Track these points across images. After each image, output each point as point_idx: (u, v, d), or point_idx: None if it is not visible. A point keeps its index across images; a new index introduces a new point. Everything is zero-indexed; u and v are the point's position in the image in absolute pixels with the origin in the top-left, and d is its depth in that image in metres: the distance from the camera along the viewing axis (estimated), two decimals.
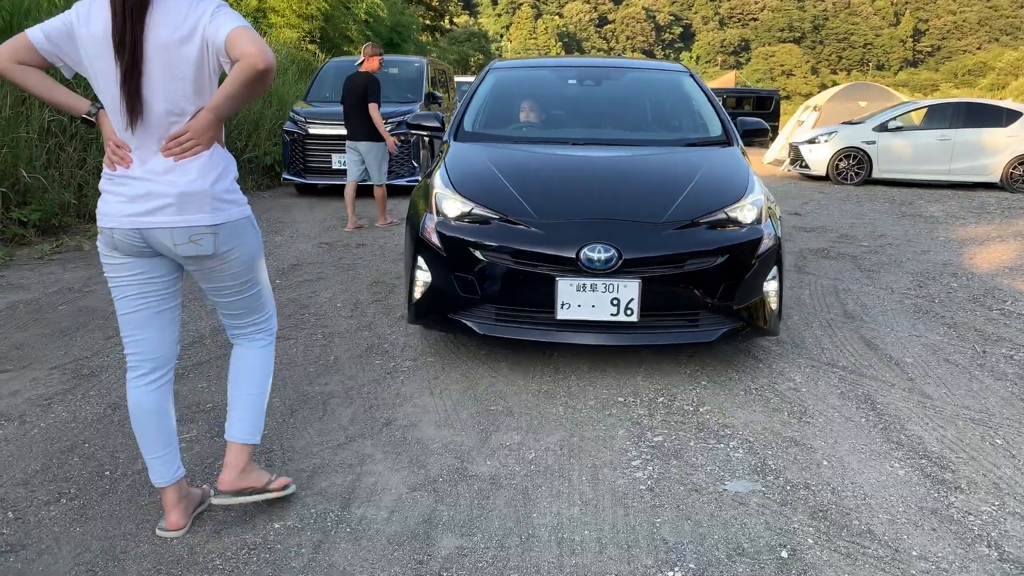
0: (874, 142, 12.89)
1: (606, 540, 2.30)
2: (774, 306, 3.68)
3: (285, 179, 10.10)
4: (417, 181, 9.87)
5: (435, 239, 3.60)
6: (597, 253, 3.37)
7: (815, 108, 16.43)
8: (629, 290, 3.37)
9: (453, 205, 3.68)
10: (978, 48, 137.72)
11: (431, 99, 11.04)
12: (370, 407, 3.29)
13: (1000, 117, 12.72)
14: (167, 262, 2.20)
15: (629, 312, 3.38)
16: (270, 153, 11.10)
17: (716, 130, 4.64)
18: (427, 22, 45.47)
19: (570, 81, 5.40)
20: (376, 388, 3.50)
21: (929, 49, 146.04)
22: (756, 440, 3.01)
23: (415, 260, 3.71)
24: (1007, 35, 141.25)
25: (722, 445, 2.96)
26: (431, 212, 3.74)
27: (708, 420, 3.19)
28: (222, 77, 2.08)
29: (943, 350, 4.19)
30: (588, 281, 3.37)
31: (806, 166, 13.41)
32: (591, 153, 4.25)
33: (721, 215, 3.59)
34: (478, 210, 3.62)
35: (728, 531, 2.36)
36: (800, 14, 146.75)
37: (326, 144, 9.69)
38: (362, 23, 22.44)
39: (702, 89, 5.06)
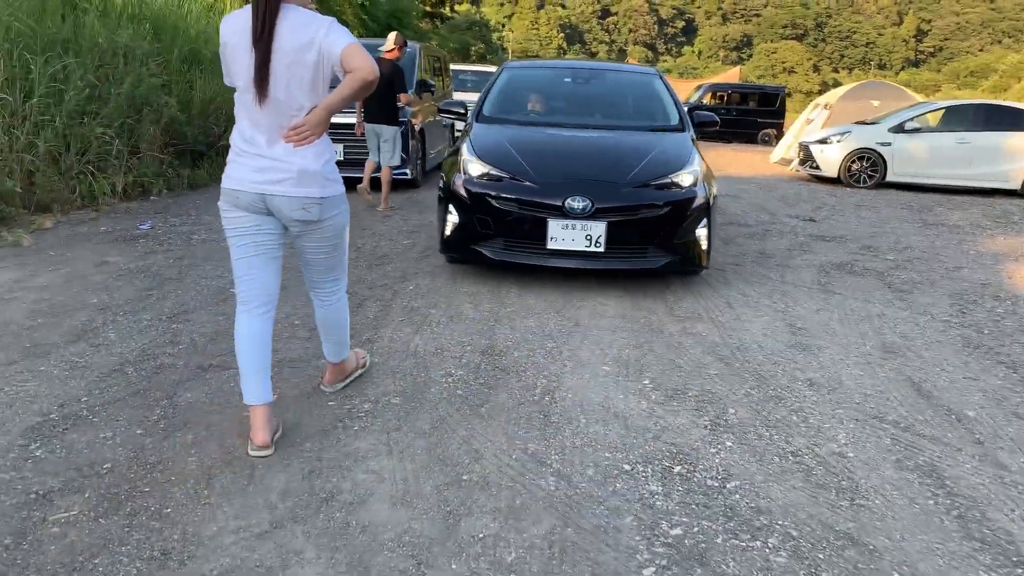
0: (890, 144, 12.21)
1: None
2: (704, 247, 5.03)
3: None
4: (406, 173, 9.28)
5: (462, 191, 4.95)
6: (577, 202, 4.73)
7: (825, 106, 15.72)
8: (598, 229, 4.72)
9: (476, 167, 5.06)
10: (980, 50, 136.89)
11: (423, 87, 10.30)
12: (310, 472, 2.61)
13: (1021, 121, 12.05)
14: (276, 222, 2.70)
15: (598, 245, 4.74)
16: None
17: (674, 120, 6.05)
18: (428, 8, 44.61)
19: (566, 79, 6.83)
20: (322, 443, 2.81)
21: (931, 50, 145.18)
22: (802, 535, 2.34)
23: (447, 207, 5.06)
24: (1009, 37, 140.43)
25: (758, 543, 2.28)
26: (459, 172, 5.10)
27: (738, 502, 2.52)
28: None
29: (1008, 400, 3.52)
30: (570, 222, 4.72)
31: (817, 167, 12.72)
32: (577, 133, 5.68)
33: (667, 180, 4.97)
34: (494, 171, 4.99)
35: None
36: (803, 11, 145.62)
37: None
38: (358, 7, 21.60)
39: (667, 88, 6.47)
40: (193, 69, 10.38)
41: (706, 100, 24.79)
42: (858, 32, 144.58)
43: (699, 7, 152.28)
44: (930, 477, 2.75)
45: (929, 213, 9.60)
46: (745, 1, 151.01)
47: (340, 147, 8.99)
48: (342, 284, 3.01)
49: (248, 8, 2.50)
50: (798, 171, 13.59)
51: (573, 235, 4.72)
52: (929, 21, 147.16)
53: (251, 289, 2.71)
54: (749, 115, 24.52)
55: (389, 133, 7.82)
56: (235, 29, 2.51)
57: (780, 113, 24.58)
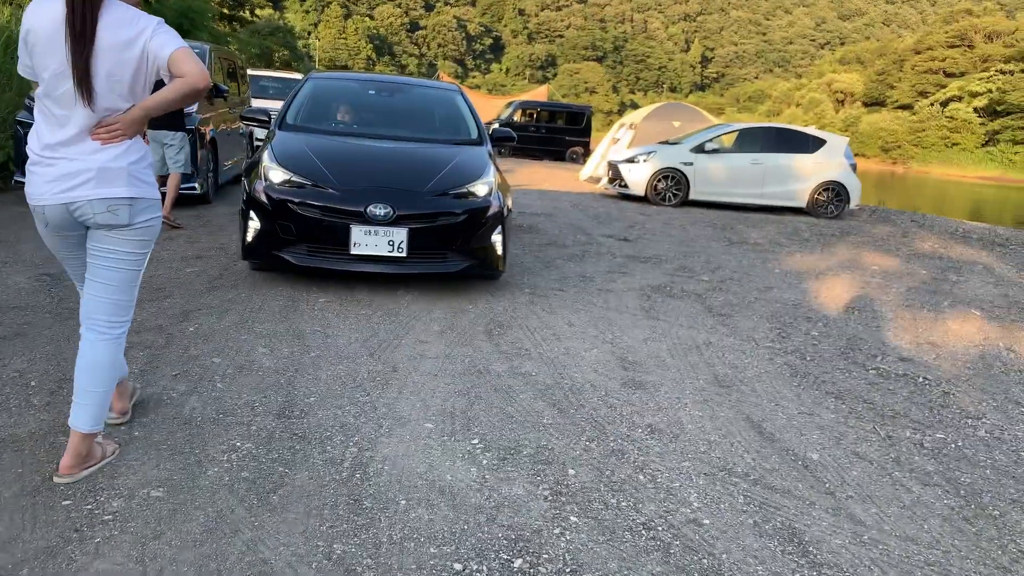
0: (691, 163, 12.70)
1: None
2: (500, 252, 5.25)
3: (17, 181, 8.00)
4: (194, 188, 8.23)
5: (263, 198, 4.90)
6: (379, 209, 4.82)
7: (631, 126, 16.23)
8: (400, 235, 4.84)
9: (277, 174, 5.02)
10: (755, 77, 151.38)
11: (215, 91, 9.28)
12: None
13: (807, 144, 12.97)
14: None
15: (400, 250, 4.86)
16: (4, 148, 8.84)
17: (473, 134, 6.26)
18: (225, 11, 42.08)
19: (370, 91, 6.96)
20: (46, 567, 2.07)
21: (715, 75, 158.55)
22: None
23: (248, 213, 4.99)
24: (779, 67, 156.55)
25: None
26: (261, 179, 5.02)
27: None
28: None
29: (845, 437, 3.40)
30: (372, 228, 4.82)
31: (625, 185, 12.98)
32: (379, 144, 5.72)
33: (464, 189, 5.14)
34: (295, 178, 4.98)
35: None
36: (602, 34, 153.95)
37: None
38: (140, 4, 19.64)
39: (467, 104, 6.69)
40: None
41: (516, 117, 25.04)
42: (651, 56, 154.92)
43: (505, 26, 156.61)
44: (791, 543, 2.47)
45: (732, 231, 9.96)
46: (549, 22, 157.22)
47: None
48: (127, 319, 2.61)
49: None
50: (607, 189, 13.83)
51: (376, 240, 4.85)
52: (712, 49, 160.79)
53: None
54: (557, 133, 25.05)
55: (175, 138, 7.29)
56: (47, 18, 2.27)
57: (587, 131, 25.29)
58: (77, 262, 2.55)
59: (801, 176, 12.77)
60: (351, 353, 3.97)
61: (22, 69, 2.40)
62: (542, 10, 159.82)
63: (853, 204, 12.88)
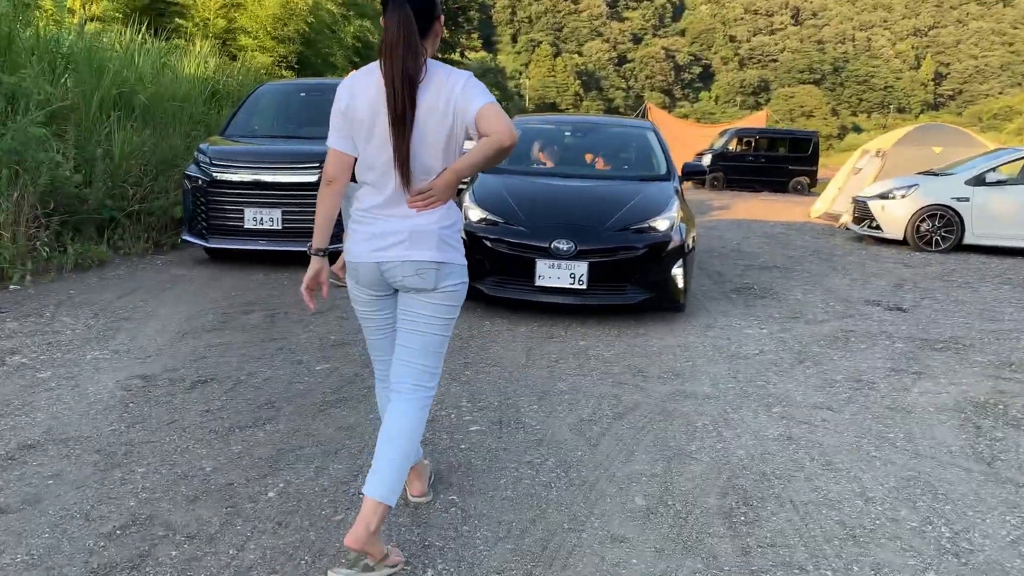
0: (967, 199, 10.04)
1: None
2: (680, 284, 5.40)
3: (184, 240, 7.39)
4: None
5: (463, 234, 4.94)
6: (562, 244, 5.21)
7: (877, 153, 13.58)
8: (581, 268, 5.19)
9: (475, 213, 5.58)
10: (1000, 92, 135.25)
11: None
12: None
13: None
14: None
15: (581, 282, 5.20)
16: (180, 203, 8.37)
17: (662, 170, 6.51)
18: (437, 55, 43.33)
19: (566, 132, 7.43)
20: None
21: (951, 92, 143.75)
22: None
23: None
24: None
25: None
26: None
27: None
28: None
29: None
30: (556, 262, 5.21)
31: (877, 226, 10.55)
32: (570, 183, 6.18)
33: (645, 224, 5.41)
34: (490, 216, 5.52)
35: None
36: (820, 56, 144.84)
37: (236, 194, 6.97)
38: (348, 48, 19.90)
39: (659, 140, 6.88)
40: (124, 118, 8.51)
41: (732, 146, 22.83)
42: (876, 76, 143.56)
43: (715, 53, 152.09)
44: None
45: None
46: (762, 47, 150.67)
47: (278, 212, 6.98)
48: (432, 385, 2.44)
49: (374, 71, 2.22)
50: (850, 229, 11.45)
51: (559, 273, 5.20)
52: (947, 64, 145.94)
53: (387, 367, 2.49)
54: (779, 162, 22.50)
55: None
56: (367, 96, 2.21)
57: (813, 160, 22.51)
58: (375, 321, 2.46)
59: None
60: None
61: (339, 143, 2.29)
62: (754, 35, 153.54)
63: None
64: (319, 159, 6.99)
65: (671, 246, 5.30)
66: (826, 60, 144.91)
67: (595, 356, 4.67)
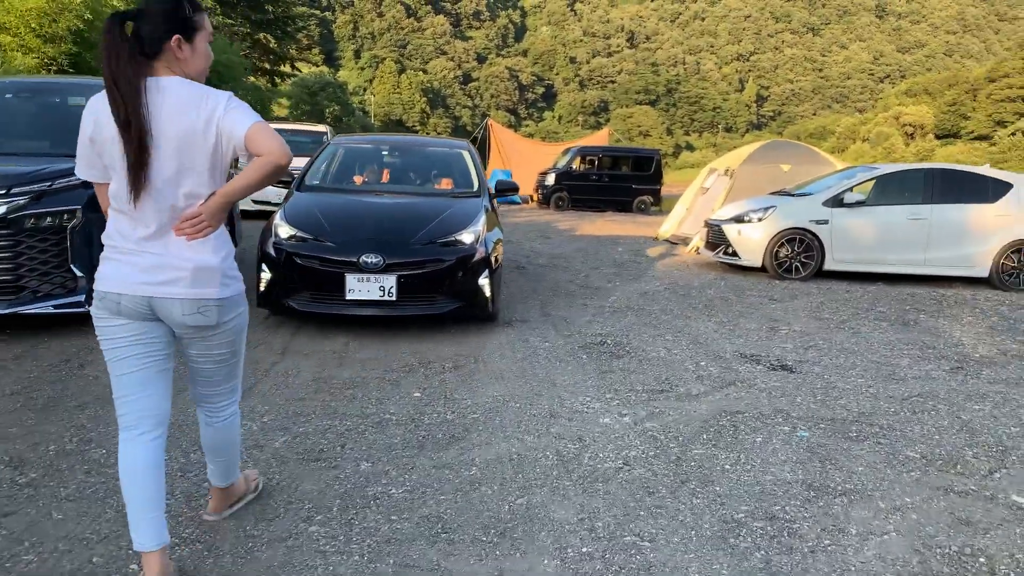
0: (826, 221, 9.22)
1: None
2: (488, 294, 5.56)
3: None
4: (76, 303, 5.30)
5: (272, 251, 5.44)
6: (371, 258, 5.24)
7: (726, 172, 12.78)
8: (390, 281, 5.24)
9: (284, 230, 5.54)
10: (813, 114, 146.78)
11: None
12: None
13: (984, 190, 9.38)
14: (164, 328, 2.27)
15: (391, 295, 5.26)
16: None
17: (473, 187, 6.69)
18: (266, 65, 40.41)
19: (383, 151, 7.80)
20: None
21: (771, 114, 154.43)
22: None
23: (260, 265, 5.51)
24: (837, 103, 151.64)
25: None
26: (271, 235, 5.55)
27: None
28: None
29: None
30: (365, 275, 5.24)
31: (733, 253, 9.56)
32: (381, 200, 6.30)
33: (451, 238, 5.54)
34: (299, 233, 5.48)
35: None
36: (655, 78, 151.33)
37: None
38: None
39: (473, 159, 7.18)
40: None
41: (575, 165, 21.91)
42: (705, 97, 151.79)
43: (557, 74, 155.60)
44: None
45: (922, 330, 6.44)
46: (600, 68, 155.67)
47: None
48: (236, 397, 2.57)
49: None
50: (702, 254, 10.47)
51: (368, 287, 5.24)
52: (767, 87, 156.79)
53: (139, 410, 2.26)
54: (623, 180, 21.82)
55: None
56: (105, 113, 2.10)
57: (656, 178, 22.00)
58: (134, 357, 2.24)
59: (980, 234, 9.19)
60: None
61: (86, 173, 2.23)
62: (593, 57, 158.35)
63: None
64: (6, 185, 4.95)
65: (476, 258, 5.49)
66: (660, 82, 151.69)
67: (380, 494, 2.98)
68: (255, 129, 2.09)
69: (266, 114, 29.96)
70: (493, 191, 6.91)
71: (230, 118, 2.10)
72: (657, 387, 4.51)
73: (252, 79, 33.20)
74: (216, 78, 24.27)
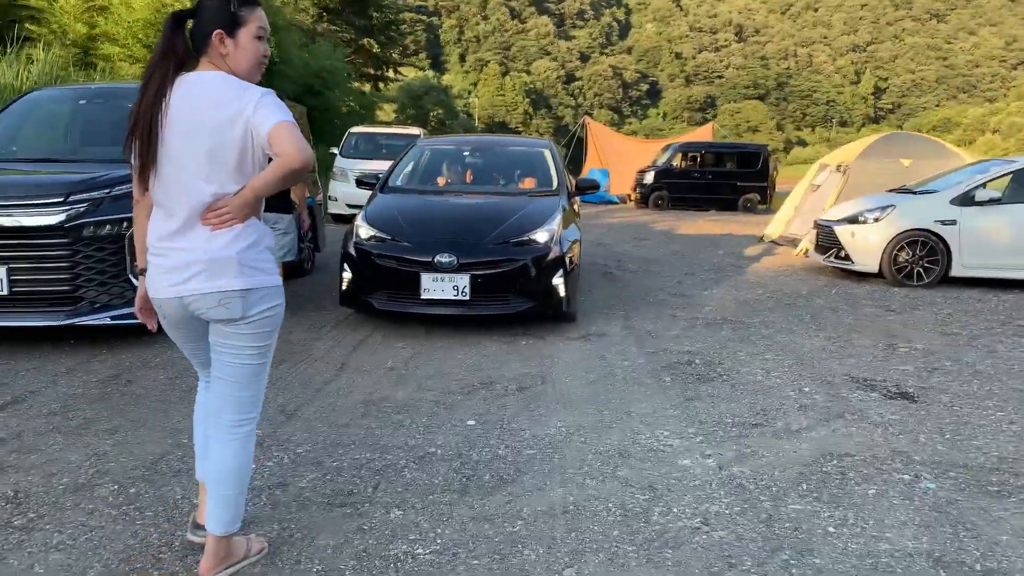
0: (954, 222, 8.21)
1: None
2: (563, 294, 5.52)
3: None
4: (134, 314, 5.18)
5: (352, 252, 5.65)
6: (445, 258, 5.31)
7: (839, 168, 11.76)
8: (463, 280, 5.30)
9: (365, 231, 5.73)
10: (937, 105, 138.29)
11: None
12: None
13: None
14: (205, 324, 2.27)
15: (464, 294, 5.30)
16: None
17: (552, 185, 6.62)
18: (371, 71, 41.11)
19: (465, 152, 7.81)
20: None
21: (890, 106, 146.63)
22: None
23: (342, 265, 5.74)
24: (963, 92, 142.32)
25: None
26: (352, 235, 5.77)
27: None
28: None
29: None
30: (439, 275, 5.31)
31: (846, 256, 8.66)
32: (459, 200, 6.40)
33: (525, 237, 5.56)
34: (379, 233, 5.66)
35: None
36: (764, 72, 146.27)
37: None
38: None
39: (554, 158, 7.12)
40: None
41: (676, 162, 21.04)
42: (818, 91, 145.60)
43: (662, 70, 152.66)
44: None
45: None
46: (707, 64, 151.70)
47: (3, 270, 4.74)
48: (253, 416, 2.35)
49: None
50: (809, 257, 9.59)
51: (442, 286, 5.30)
52: (886, 79, 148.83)
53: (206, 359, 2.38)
54: (727, 178, 20.77)
55: (282, 222, 5.88)
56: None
57: (764, 175, 20.82)
58: (201, 354, 2.37)
59: None
60: None
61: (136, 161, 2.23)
62: (699, 52, 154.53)
63: None
64: (64, 192, 4.82)
65: (550, 257, 5.47)
66: (770, 76, 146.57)
67: (404, 555, 2.54)
68: (278, 129, 2.06)
69: (370, 118, 30.35)
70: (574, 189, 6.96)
71: (259, 115, 2.08)
72: (750, 419, 3.90)
73: (356, 84, 33.75)
74: (320, 84, 24.75)
